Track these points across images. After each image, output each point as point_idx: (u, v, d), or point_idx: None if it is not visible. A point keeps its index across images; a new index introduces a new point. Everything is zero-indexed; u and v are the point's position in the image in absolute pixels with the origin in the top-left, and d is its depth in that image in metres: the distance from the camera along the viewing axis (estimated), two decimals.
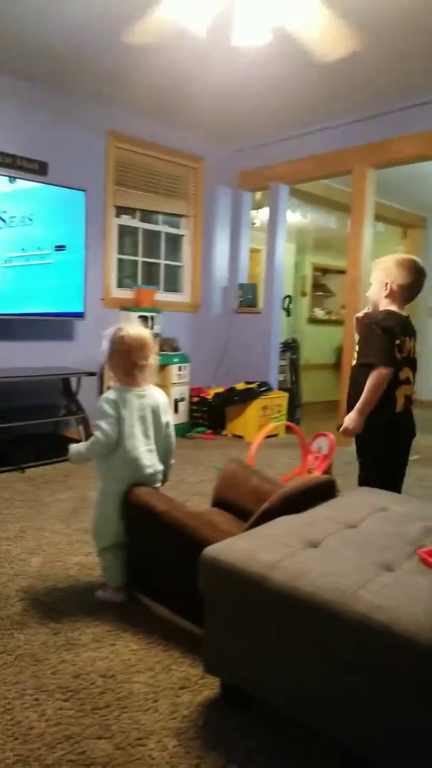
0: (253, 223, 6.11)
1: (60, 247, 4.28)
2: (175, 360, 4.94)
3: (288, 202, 5.59)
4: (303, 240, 7.85)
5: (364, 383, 2.23)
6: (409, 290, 2.36)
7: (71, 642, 1.85)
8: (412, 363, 2.34)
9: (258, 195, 6.03)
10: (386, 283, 2.35)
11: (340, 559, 1.43)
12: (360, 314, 2.45)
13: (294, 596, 1.33)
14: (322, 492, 1.87)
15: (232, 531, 1.81)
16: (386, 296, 2.36)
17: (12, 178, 4.00)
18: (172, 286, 5.51)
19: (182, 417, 4.98)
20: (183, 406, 5.02)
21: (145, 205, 5.12)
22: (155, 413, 2.14)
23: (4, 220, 3.97)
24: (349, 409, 2.31)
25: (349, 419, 2.26)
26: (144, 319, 4.72)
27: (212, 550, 1.50)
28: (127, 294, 5.03)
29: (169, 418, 2.21)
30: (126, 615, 2.02)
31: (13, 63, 3.93)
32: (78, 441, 4.14)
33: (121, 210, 4.99)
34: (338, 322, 7.11)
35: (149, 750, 1.41)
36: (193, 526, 1.83)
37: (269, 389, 5.02)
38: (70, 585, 2.24)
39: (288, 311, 6.87)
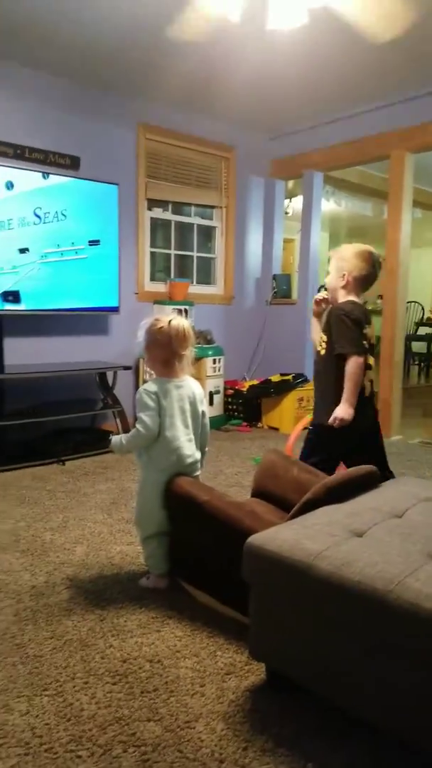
0: (286, 213, 6.08)
1: (94, 242, 4.33)
2: (210, 353, 4.96)
3: (321, 190, 5.54)
4: (336, 228, 7.79)
5: (335, 373, 2.40)
6: (364, 281, 2.49)
7: (117, 628, 1.89)
8: (372, 350, 2.50)
9: (290, 184, 5.99)
10: (343, 274, 2.47)
11: (386, 548, 1.43)
12: (319, 296, 2.59)
13: (341, 585, 1.34)
14: (365, 482, 1.88)
15: (274, 521, 1.83)
16: (342, 287, 2.48)
17: (45, 174, 4.05)
18: (205, 278, 5.53)
19: (217, 410, 5.01)
20: (218, 399, 5.04)
21: (176, 197, 5.14)
22: (193, 403, 2.17)
23: (39, 217, 4.03)
24: (319, 396, 2.51)
25: (341, 410, 2.35)
26: (178, 312, 4.75)
27: (257, 539, 1.52)
28: (159, 287, 5.07)
29: (204, 407, 2.24)
30: (170, 602, 2.05)
31: (44, 60, 3.98)
32: (116, 434, 4.26)
33: (153, 203, 5.02)
34: (375, 313, 7.02)
35: (198, 732, 1.44)
36: (236, 516, 1.86)
37: (305, 381, 5.00)
38: (114, 573, 2.29)
39: None
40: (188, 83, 4.35)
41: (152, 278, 5.10)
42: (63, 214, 4.14)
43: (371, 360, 2.49)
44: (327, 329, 2.47)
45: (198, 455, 2.19)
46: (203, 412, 2.23)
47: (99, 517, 2.90)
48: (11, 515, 2.89)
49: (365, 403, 2.43)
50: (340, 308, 2.44)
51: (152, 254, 5.09)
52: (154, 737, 1.42)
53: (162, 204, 5.11)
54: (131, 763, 1.34)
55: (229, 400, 5.17)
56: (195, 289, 5.27)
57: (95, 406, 4.49)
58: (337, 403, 2.36)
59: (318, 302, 2.58)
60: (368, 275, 2.48)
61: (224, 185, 5.39)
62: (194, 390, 2.19)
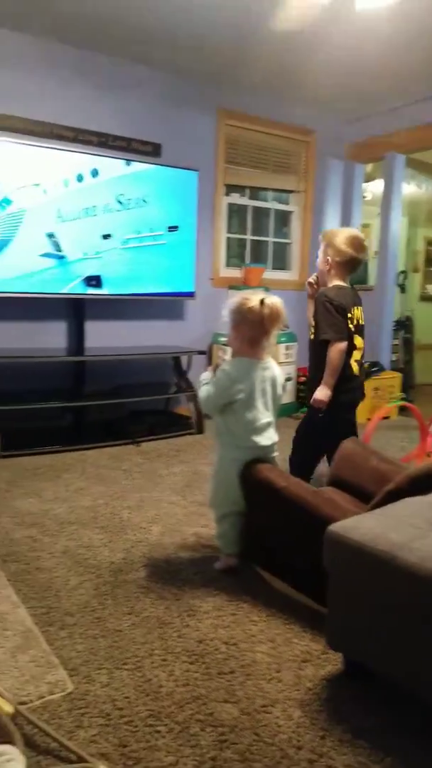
0: (364, 197, 5.92)
1: (172, 228, 4.37)
2: (283, 339, 4.92)
3: (403, 173, 5.35)
4: (415, 212, 7.51)
5: (323, 357, 2.55)
6: (348, 266, 2.62)
7: (193, 609, 1.92)
8: (361, 330, 2.65)
9: (369, 167, 5.82)
10: (327, 258, 2.62)
11: None
12: (311, 279, 2.74)
13: (426, 576, 1.30)
14: None
15: (354, 510, 1.80)
16: (327, 270, 2.63)
17: (128, 161, 4.11)
18: (280, 263, 5.47)
19: (289, 397, 4.97)
20: (290, 386, 5.00)
21: (254, 182, 5.10)
22: (274, 386, 2.15)
23: (121, 203, 4.10)
24: (312, 379, 2.65)
25: (319, 392, 2.56)
26: None
27: (338, 528, 1.50)
28: (234, 273, 5.06)
29: (281, 391, 2.21)
30: (245, 587, 2.06)
31: (127, 49, 4.02)
32: (188, 418, 4.30)
33: (230, 188, 5.00)
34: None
35: (275, 717, 1.44)
36: (315, 503, 1.84)
37: (381, 369, 4.88)
38: (189, 554, 2.32)
39: (403, 287, 6.62)
40: (270, 68, 4.30)
41: (227, 264, 5.09)
42: (144, 201, 4.19)
43: (359, 341, 2.63)
44: (315, 314, 2.62)
45: (276, 438, 2.17)
46: (280, 396, 2.21)
47: (173, 498, 2.94)
48: (90, 492, 2.98)
49: (351, 380, 2.62)
50: (324, 294, 2.57)
51: (227, 239, 5.08)
52: (231, 719, 1.44)
53: (239, 189, 5.08)
54: (209, 742, 1.36)
55: (302, 387, 5.11)
56: (270, 274, 5.22)
57: (169, 390, 4.55)
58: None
59: (311, 284, 2.74)
60: (351, 260, 2.60)
61: (303, 169, 5.30)
62: (276, 373, 2.16)
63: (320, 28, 3.58)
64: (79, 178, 3.91)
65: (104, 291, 4.09)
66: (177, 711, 1.46)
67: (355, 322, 2.60)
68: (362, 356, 2.68)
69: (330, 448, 2.48)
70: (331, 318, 2.53)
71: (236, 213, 5.18)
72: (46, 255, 3.86)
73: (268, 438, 2.12)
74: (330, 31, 3.60)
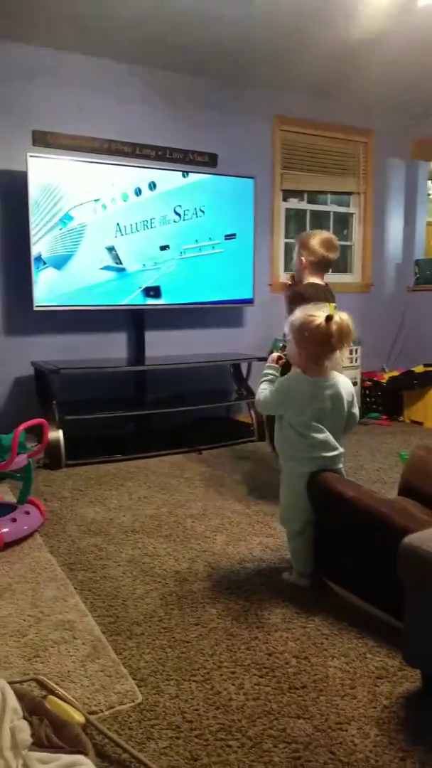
0: (429, 195, 5.76)
1: (230, 236, 4.37)
2: None
3: None
4: None
5: None
6: (320, 265, 2.85)
7: (261, 620, 1.88)
8: None
9: None
10: (301, 259, 2.84)
11: None
12: (287, 279, 2.98)
13: None
14: None
15: (429, 520, 1.72)
16: (303, 270, 2.85)
17: (185, 173, 4.14)
18: (341, 266, 5.38)
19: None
20: (355, 391, 4.88)
21: (312, 186, 5.04)
22: (339, 403, 2.04)
23: (179, 214, 4.13)
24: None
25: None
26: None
27: (415, 540, 1.43)
28: None
29: (355, 409, 2.12)
30: (314, 599, 2.01)
31: (182, 61, 4.06)
32: (249, 425, 4.27)
33: (287, 193, 4.96)
34: None
35: (350, 736, 1.38)
36: (387, 513, 1.77)
37: None
38: (255, 565, 2.28)
39: None
40: (323, 71, 4.26)
41: (286, 269, 5.05)
42: (201, 210, 4.21)
43: None
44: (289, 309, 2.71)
45: (341, 449, 2.10)
46: (353, 414, 2.11)
47: (237, 507, 2.91)
48: (153, 501, 2.99)
49: None
50: (299, 292, 2.76)
51: (285, 244, 5.03)
52: (305, 735, 1.39)
53: (297, 194, 5.04)
54: (282, 758, 1.32)
55: (367, 392, 4.99)
56: (330, 277, 5.10)
57: (230, 397, 4.53)
58: None
59: (287, 285, 2.96)
60: (322, 260, 2.83)
61: (362, 170, 5.21)
62: (340, 390, 2.05)
63: (377, 27, 3.52)
64: (138, 192, 3.97)
65: (163, 301, 4.12)
66: (248, 725, 1.42)
67: None
68: None
69: None
70: None
71: (293, 217, 5.13)
72: (107, 268, 3.93)
73: (330, 450, 2.05)
74: (390, 29, 3.53)
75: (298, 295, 2.75)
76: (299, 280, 2.86)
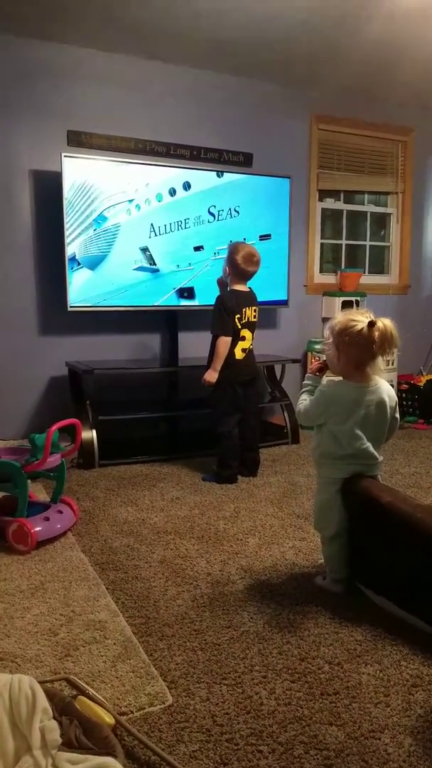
0: None
1: (265, 237, 4.34)
2: None
3: None
4: None
5: (214, 347, 3.24)
6: (240, 276, 3.26)
7: (294, 625, 1.85)
8: (250, 325, 3.32)
9: None
10: (226, 268, 3.28)
11: None
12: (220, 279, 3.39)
13: None
14: None
15: None
16: (227, 276, 3.29)
17: (220, 173, 4.13)
18: (377, 267, 5.30)
19: None
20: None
21: (349, 186, 4.98)
22: (381, 409, 1.98)
23: (213, 215, 4.12)
24: (208, 364, 3.29)
25: (207, 374, 3.25)
26: (349, 303, 4.60)
27: None
28: (329, 279, 4.95)
29: (397, 415, 2.04)
30: (348, 604, 1.97)
31: (217, 60, 4.05)
32: (282, 428, 4.23)
33: (323, 193, 4.91)
34: None
35: (384, 744, 1.35)
36: (423, 519, 1.72)
37: None
38: (288, 568, 2.26)
39: None
40: (361, 70, 4.21)
41: (321, 270, 4.99)
42: (236, 211, 4.20)
43: (247, 333, 3.30)
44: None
45: (380, 457, 2.05)
46: (395, 419, 2.04)
47: (269, 510, 2.88)
48: (185, 502, 2.98)
49: (235, 363, 3.28)
50: (219, 297, 3.27)
51: (321, 245, 4.98)
52: (337, 743, 1.36)
53: (333, 194, 4.98)
54: (313, 765, 1.29)
55: (404, 395, 4.90)
56: (366, 279, 5.07)
57: (263, 399, 4.50)
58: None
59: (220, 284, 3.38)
60: (241, 271, 3.24)
61: (400, 170, 5.12)
62: (383, 396, 1.98)
63: (412, 26, 3.47)
64: (172, 192, 3.98)
65: (197, 302, 4.12)
66: (279, 731, 1.40)
67: (244, 320, 3.27)
68: (251, 345, 3.35)
69: (227, 413, 3.32)
70: (219, 317, 3.22)
71: (330, 218, 5.08)
72: (140, 269, 3.94)
73: (369, 459, 2.00)
74: (425, 26, 3.46)
75: (219, 299, 3.26)
76: (225, 284, 3.32)
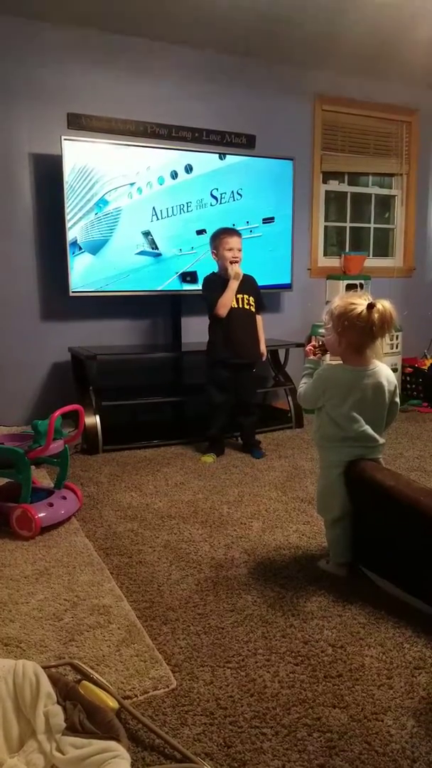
0: None
1: (268, 220, 4.30)
2: None
3: None
4: None
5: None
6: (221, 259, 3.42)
7: (297, 608, 1.86)
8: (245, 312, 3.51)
9: None
10: (213, 252, 3.44)
11: None
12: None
13: None
14: None
15: None
16: (216, 260, 3.46)
17: (222, 155, 4.09)
18: (381, 250, 5.26)
19: None
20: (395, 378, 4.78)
21: (353, 167, 4.93)
22: (378, 394, 1.97)
23: (215, 198, 4.09)
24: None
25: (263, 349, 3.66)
26: (353, 287, 4.57)
27: None
28: (333, 262, 4.91)
29: (397, 399, 2.03)
30: (351, 587, 1.97)
31: (219, 40, 3.99)
32: (286, 412, 4.22)
33: (327, 175, 4.85)
34: None
35: (386, 726, 1.35)
36: (426, 503, 1.72)
37: None
38: (291, 552, 2.26)
39: None
40: (365, 50, 4.15)
41: (325, 253, 4.95)
42: (239, 194, 4.16)
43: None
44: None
45: (382, 440, 2.03)
46: (395, 403, 2.03)
47: (273, 494, 2.89)
48: (189, 487, 2.99)
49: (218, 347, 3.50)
50: (206, 278, 3.50)
51: (325, 228, 4.94)
52: (340, 725, 1.36)
53: (337, 176, 4.93)
54: (316, 747, 1.30)
55: (408, 378, 4.88)
56: (370, 262, 5.02)
57: (267, 384, 4.49)
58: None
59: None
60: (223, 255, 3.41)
61: (405, 151, 5.05)
62: (382, 380, 1.97)
63: (416, 4, 3.40)
64: (174, 175, 3.94)
65: (199, 287, 4.08)
66: (283, 713, 1.40)
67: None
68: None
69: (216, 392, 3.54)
70: (209, 294, 3.42)
71: (334, 200, 5.02)
72: (143, 253, 3.91)
73: (369, 441, 1.99)
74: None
75: (205, 281, 3.49)
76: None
